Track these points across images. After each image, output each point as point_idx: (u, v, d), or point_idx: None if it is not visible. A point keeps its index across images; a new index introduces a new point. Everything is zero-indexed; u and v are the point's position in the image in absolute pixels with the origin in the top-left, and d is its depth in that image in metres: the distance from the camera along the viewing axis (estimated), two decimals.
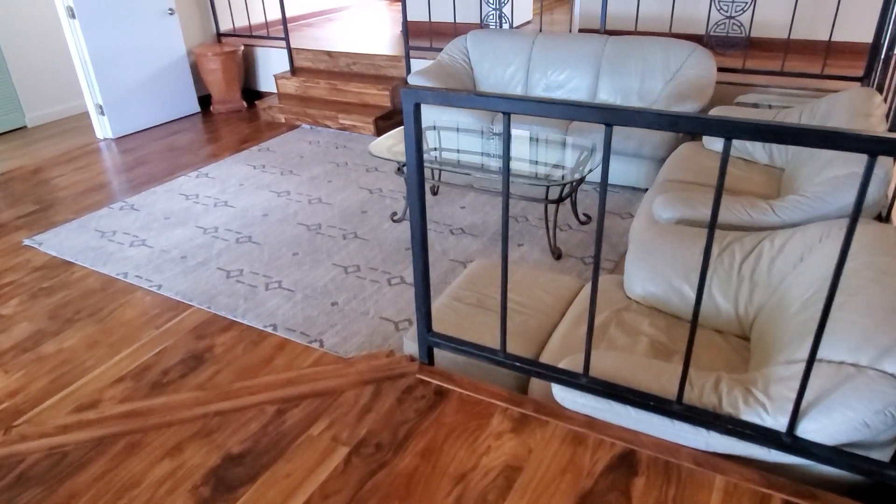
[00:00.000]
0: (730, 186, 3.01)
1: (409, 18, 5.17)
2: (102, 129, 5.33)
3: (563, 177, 3.20)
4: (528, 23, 6.37)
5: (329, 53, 5.70)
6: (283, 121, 5.58)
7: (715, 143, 3.36)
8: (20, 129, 5.69)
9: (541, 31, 4.65)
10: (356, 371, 1.89)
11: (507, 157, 1.52)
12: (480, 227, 3.64)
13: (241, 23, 6.38)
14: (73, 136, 5.46)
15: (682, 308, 2.15)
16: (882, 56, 3.63)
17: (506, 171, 1.52)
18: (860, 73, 4.00)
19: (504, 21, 5.49)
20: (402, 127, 3.77)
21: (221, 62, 5.73)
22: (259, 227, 3.71)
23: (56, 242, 3.61)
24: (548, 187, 3.22)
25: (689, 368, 1.57)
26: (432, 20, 5.45)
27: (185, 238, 3.62)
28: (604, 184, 1.43)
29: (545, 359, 2.03)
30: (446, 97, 1.52)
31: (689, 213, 2.47)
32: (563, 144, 3.73)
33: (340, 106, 5.37)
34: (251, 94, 6.33)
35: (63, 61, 5.83)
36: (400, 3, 7.55)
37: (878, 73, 3.69)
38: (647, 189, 3.97)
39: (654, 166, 3.86)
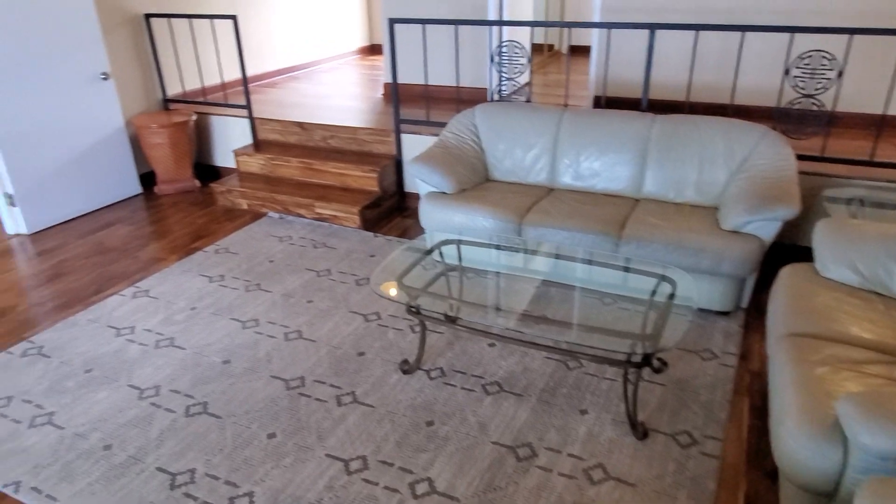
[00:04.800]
0: None
1: (398, 80, 4.29)
2: (14, 223, 4.22)
3: (647, 330, 2.31)
4: (528, 84, 5.58)
5: (301, 125, 4.77)
6: (246, 207, 4.58)
7: (837, 270, 2.53)
8: None
9: (566, 105, 3.83)
10: None
11: None
12: (523, 378, 2.70)
13: (192, 85, 5.40)
14: None
15: None
16: None
17: None
18: None
19: (514, 85, 4.67)
20: (410, 251, 2.85)
21: (168, 135, 4.72)
22: (218, 386, 2.69)
23: None
24: (629, 354, 2.31)
25: None
26: (429, 83, 4.59)
27: (111, 408, 2.57)
28: None
29: None
30: None
31: None
32: (624, 266, 2.87)
33: (317, 190, 4.41)
34: (205, 171, 5.32)
35: None
36: (383, 60, 6.71)
37: None
38: (727, 312, 3.12)
39: (734, 286, 3.02)
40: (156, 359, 2.88)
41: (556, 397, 2.58)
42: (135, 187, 4.89)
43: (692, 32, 4.46)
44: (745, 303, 3.14)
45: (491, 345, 2.93)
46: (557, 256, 3.08)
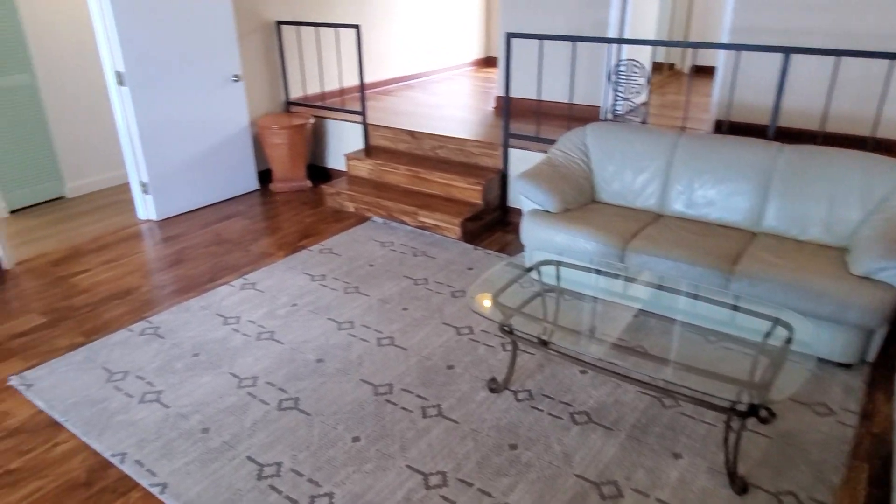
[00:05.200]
0: None
1: (511, 95, 4.27)
2: (145, 209, 4.58)
3: (757, 377, 2.14)
4: (645, 104, 5.38)
5: (411, 133, 4.86)
6: (352, 210, 4.72)
7: None
8: (58, 199, 5.03)
9: (684, 128, 3.65)
10: None
11: None
12: (614, 411, 2.59)
13: (313, 89, 5.65)
14: (112, 213, 4.74)
15: None
16: None
17: None
18: None
19: (629, 105, 4.52)
20: (509, 268, 2.81)
21: (288, 136, 4.97)
22: (310, 383, 2.77)
23: (49, 385, 2.76)
24: (734, 401, 2.15)
25: None
26: (542, 98, 4.54)
27: (212, 393, 2.71)
28: None
29: None
30: None
31: None
32: (733, 304, 2.68)
33: (421, 199, 4.48)
34: (317, 172, 5.55)
35: (108, 130, 5.19)
36: (497, 73, 6.73)
37: None
38: (849, 365, 2.85)
39: (860, 337, 2.75)
40: (256, 350, 3.01)
41: (647, 435, 2.45)
42: (253, 183, 5.18)
43: (830, 57, 4.13)
44: (871, 356, 2.85)
45: (583, 372, 2.84)
46: (661, 287, 2.94)
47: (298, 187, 5.23)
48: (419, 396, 2.68)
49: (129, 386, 2.76)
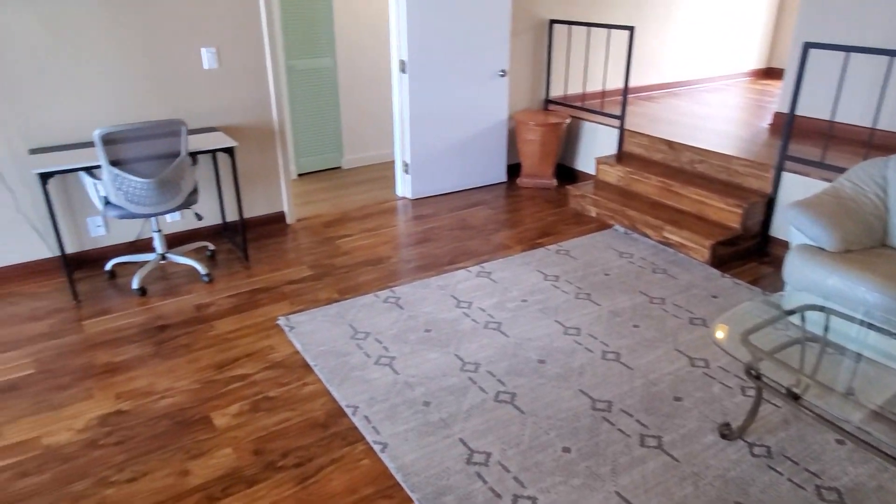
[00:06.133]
0: None
1: (795, 112, 3.77)
2: (403, 187, 4.99)
3: None
4: None
5: (670, 143, 4.59)
6: (594, 215, 4.62)
7: None
8: (335, 168, 5.71)
9: None
10: None
11: None
12: (874, 497, 2.17)
13: (573, 89, 5.63)
14: (375, 187, 5.24)
15: None
16: None
17: None
18: None
19: None
20: (764, 305, 2.50)
21: (542, 133, 5.02)
22: (528, 381, 2.77)
23: (307, 331, 3.15)
24: None
25: None
26: (835, 120, 3.96)
27: (437, 370, 2.85)
28: None
29: None
30: None
31: None
32: None
33: (670, 213, 4.21)
34: (564, 172, 5.53)
35: (382, 112, 5.73)
36: (780, 86, 6.09)
37: None
38: None
39: None
40: (482, 338, 3.10)
41: None
42: (501, 175, 5.34)
43: None
44: None
45: (840, 442, 2.43)
46: None
47: (544, 185, 5.27)
48: (639, 422, 2.53)
49: (369, 346, 3.03)
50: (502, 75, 4.96)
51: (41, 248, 3.71)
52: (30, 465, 2.30)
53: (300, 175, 5.55)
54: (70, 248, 3.80)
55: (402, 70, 4.59)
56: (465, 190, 5.19)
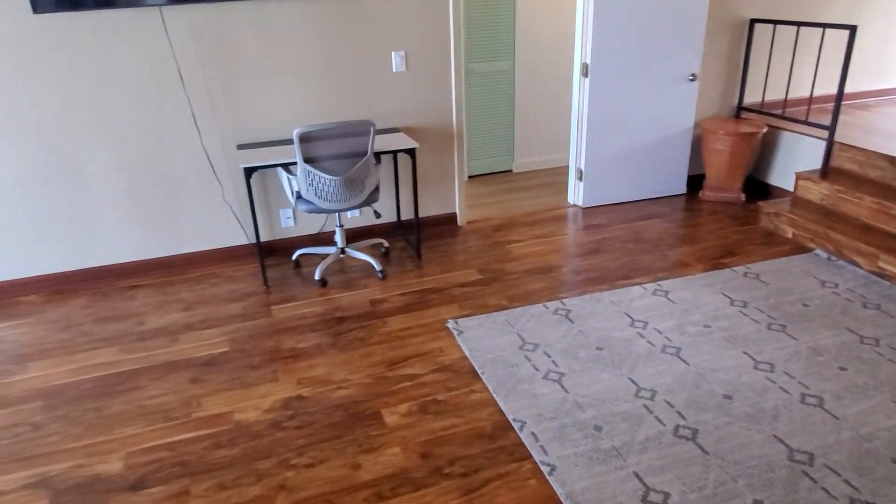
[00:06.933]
0: None
1: None
2: (575, 194, 4.84)
3: None
4: None
5: (891, 160, 3.99)
6: (790, 236, 4.15)
7: None
8: (506, 172, 5.69)
9: None
10: None
11: None
12: None
13: (772, 96, 5.11)
14: (545, 192, 5.14)
15: None
16: None
17: None
18: None
19: None
20: None
21: (732, 143, 4.61)
22: (712, 418, 2.53)
23: (475, 336, 3.13)
24: None
25: None
26: None
27: (609, 392, 2.70)
28: None
29: None
30: None
31: None
32: None
33: (886, 240, 3.66)
34: (755, 187, 5.05)
35: (557, 116, 5.59)
36: None
37: None
38: None
39: None
40: (658, 363, 2.89)
41: None
42: (681, 187, 4.99)
43: None
44: None
45: None
46: None
47: (730, 199, 4.84)
48: (848, 483, 2.20)
49: (537, 359, 2.95)
50: (692, 79, 4.62)
51: (240, 235, 4.07)
52: (223, 438, 2.50)
53: (470, 177, 5.59)
54: (263, 237, 4.13)
55: (584, 74, 4.43)
56: (641, 200, 4.92)
